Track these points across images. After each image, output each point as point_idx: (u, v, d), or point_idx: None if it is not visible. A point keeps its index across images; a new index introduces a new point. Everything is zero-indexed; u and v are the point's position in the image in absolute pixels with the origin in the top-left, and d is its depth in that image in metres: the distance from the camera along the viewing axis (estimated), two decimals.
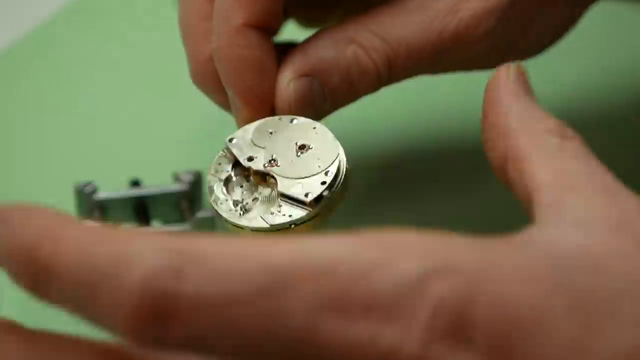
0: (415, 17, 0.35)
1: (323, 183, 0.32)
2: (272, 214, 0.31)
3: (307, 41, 0.36)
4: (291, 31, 0.39)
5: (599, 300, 0.19)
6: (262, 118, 0.34)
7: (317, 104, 0.35)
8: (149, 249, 0.19)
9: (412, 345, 0.18)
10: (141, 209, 0.39)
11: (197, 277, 0.19)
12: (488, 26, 0.35)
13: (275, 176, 0.32)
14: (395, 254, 0.19)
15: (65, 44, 0.50)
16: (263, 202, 0.32)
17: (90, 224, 0.20)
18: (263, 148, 0.33)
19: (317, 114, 0.35)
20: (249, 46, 0.34)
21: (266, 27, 0.35)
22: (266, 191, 0.32)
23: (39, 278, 0.19)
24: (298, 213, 0.31)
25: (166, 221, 0.40)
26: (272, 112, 0.34)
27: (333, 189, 0.32)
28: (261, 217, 0.31)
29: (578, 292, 0.19)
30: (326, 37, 0.35)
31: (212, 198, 0.32)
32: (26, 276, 0.19)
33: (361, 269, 0.19)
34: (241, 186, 0.33)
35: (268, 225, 0.31)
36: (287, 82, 0.34)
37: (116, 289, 0.18)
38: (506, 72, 0.27)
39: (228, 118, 0.42)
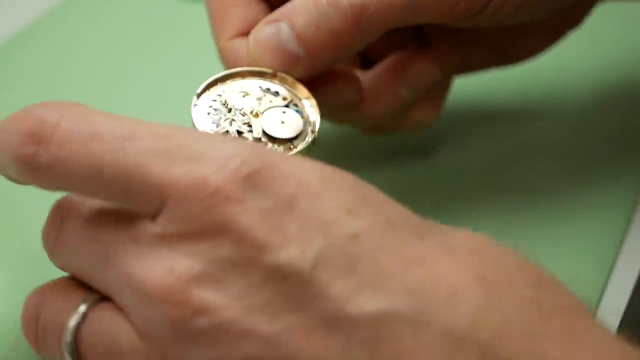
0: None
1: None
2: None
3: None
4: None
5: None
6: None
7: (289, 49, 0.33)
8: (52, 102, 0.26)
9: (216, 178, 0.24)
10: None
11: (77, 121, 0.25)
12: None
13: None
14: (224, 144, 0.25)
15: (62, 39, 0.51)
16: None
17: None
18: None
19: (291, 63, 0.33)
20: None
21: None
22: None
23: None
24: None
25: None
26: None
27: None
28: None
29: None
30: None
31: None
32: None
33: (200, 140, 0.25)
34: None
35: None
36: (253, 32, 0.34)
37: (17, 118, 0.25)
38: None
39: None
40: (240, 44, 0.36)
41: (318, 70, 0.34)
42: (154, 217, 0.25)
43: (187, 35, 0.51)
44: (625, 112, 0.43)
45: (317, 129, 0.32)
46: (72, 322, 0.26)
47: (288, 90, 0.33)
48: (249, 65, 0.34)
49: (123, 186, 0.25)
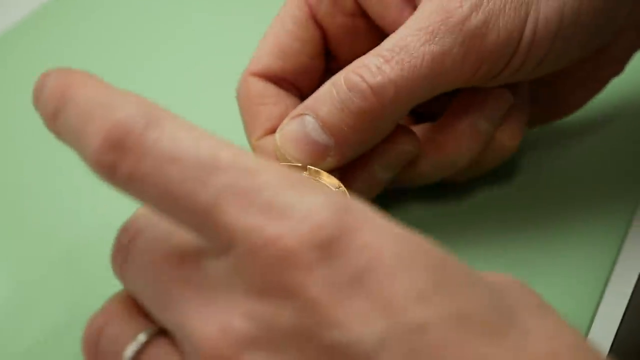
0: (405, 26, 0.34)
1: None
2: None
3: None
4: None
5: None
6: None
7: (317, 140, 0.34)
8: (139, 102, 0.24)
9: (290, 238, 0.23)
10: None
11: (160, 134, 0.23)
12: (472, 1, 0.33)
13: None
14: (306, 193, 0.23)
15: (57, 33, 0.50)
16: None
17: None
18: None
19: (322, 154, 0.34)
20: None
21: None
22: None
23: (58, 105, 0.25)
24: None
25: None
26: None
27: None
28: None
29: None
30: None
31: None
32: (51, 105, 0.25)
33: (283, 186, 0.23)
34: None
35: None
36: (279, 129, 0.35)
37: (101, 119, 0.24)
38: None
39: (222, 118, 0.42)
40: (269, 142, 0.36)
41: (349, 159, 0.35)
42: (219, 254, 0.24)
43: (186, 28, 0.51)
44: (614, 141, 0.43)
45: None
46: (129, 352, 0.25)
47: (319, 182, 0.33)
48: (278, 162, 0.34)
49: (194, 219, 0.23)
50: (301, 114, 0.34)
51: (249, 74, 0.38)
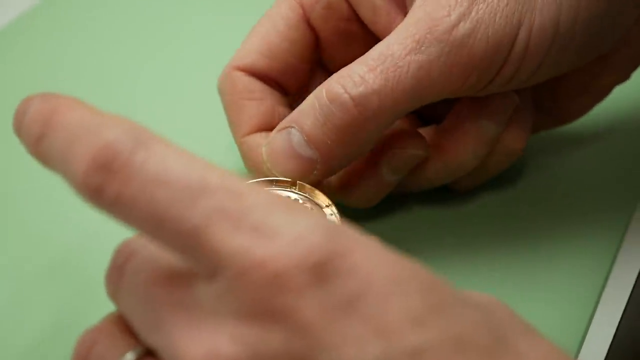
0: (391, 35, 0.33)
1: None
2: None
3: None
4: None
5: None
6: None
7: (302, 154, 0.33)
8: (126, 125, 0.24)
9: (280, 261, 0.22)
10: None
11: (148, 157, 0.23)
12: (460, 11, 0.32)
13: None
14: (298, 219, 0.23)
15: (52, 31, 0.50)
16: None
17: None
18: None
19: (307, 167, 0.33)
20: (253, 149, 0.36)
21: (264, 129, 0.36)
22: None
23: (43, 129, 0.24)
24: None
25: None
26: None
27: None
28: None
29: None
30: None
31: None
32: (36, 130, 0.25)
33: (271, 208, 0.23)
34: None
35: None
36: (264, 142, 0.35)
37: (88, 141, 0.23)
38: None
39: (215, 117, 0.42)
40: (256, 140, 0.36)
41: (335, 171, 0.34)
42: (209, 277, 0.23)
43: (182, 26, 0.51)
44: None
45: None
46: None
47: (308, 198, 0.33)
48: (264, 175, 0.34)
49: (182, 243, 0.23)
50: (287, 127, 0.34)
51: (233, 69, 0.37)
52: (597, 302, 0.35)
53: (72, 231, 0.38)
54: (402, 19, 0.34)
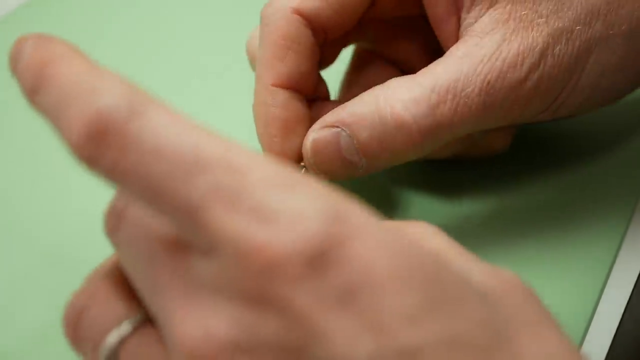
0: (460, 65, 0.34)
1: None
2: None
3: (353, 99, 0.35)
4: None
5: None
6: None
7: (348, 158, 0.34)
8: (122, 88, 0.23)
9: (278, 248, 0.21)
10: None
11: (143, 125, 0.22)
12: (531, 62, 0.33)
13: None
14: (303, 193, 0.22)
15: (47, 24, 0.50)
16: None
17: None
18: None
19: (351, 171, 0.34)
20: (276, 105, 0.35)
21: (295, 88, 0.35)
22: None
23: (38, 82, 0.23)
24: None
25: None
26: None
27: None
28: None
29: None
30: (367, 93, 0.34)
31: None
32: (30, 80, 0.24)
33: (272, 187, 0.22)
34: None
35: None
36: (311, 134, 0.35)
37: (83, 104, 0.22)
38: None
39: (219, 114, 0.42)
40: (280, 97, 0.35)
41: (370, 173, 0.35)
42: (206, 253, 0.22)
43: (179, 21, 0.51)
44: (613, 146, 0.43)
45: None
46: (111, 340, 0.24)
47: None
48: (300, 162, 0.34)
49: (178, 217, 0.22)
50: (336, 127, 0.34)
51: (292, 10, 0.35)
52: (597, 303, 0.35)
53: (70, 224, 0.38)
54: (456, 13, 0.35)
